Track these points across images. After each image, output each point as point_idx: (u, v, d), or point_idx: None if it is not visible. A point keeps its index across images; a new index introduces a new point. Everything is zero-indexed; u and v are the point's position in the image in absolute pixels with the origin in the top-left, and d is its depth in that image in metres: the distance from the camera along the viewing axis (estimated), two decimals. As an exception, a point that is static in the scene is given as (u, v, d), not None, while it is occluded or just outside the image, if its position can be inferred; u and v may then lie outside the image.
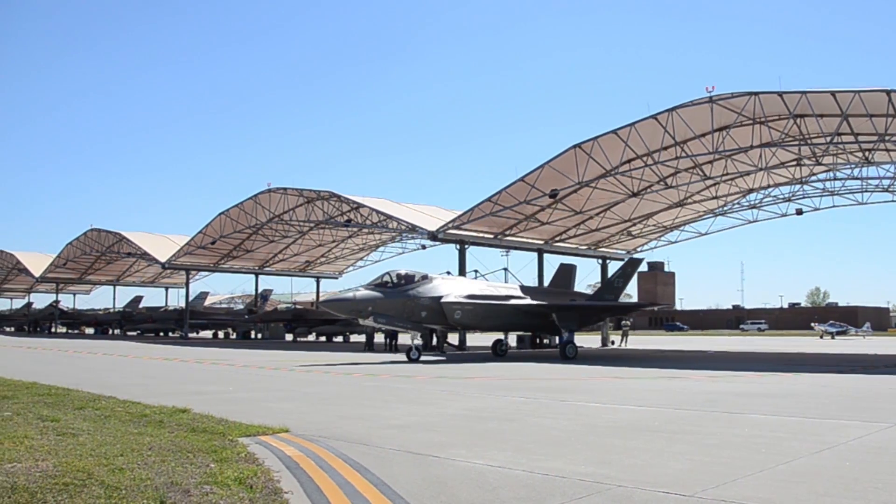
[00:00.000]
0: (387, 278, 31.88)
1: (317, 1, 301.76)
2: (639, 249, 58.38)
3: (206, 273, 77.03)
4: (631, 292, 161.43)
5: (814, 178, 43.82)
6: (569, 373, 24.50)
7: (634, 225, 51.77)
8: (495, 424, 11.84)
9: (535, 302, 34.97)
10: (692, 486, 7.23)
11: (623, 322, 59.93)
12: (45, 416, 11.54)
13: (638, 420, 12.40)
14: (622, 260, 58.46)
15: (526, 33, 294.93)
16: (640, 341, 64.23)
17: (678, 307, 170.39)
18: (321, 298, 35.08)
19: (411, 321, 31.49)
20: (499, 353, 35.68)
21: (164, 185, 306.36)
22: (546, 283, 47.24)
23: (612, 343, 55.09)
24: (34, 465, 7.75)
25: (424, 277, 32.61)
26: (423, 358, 30.61)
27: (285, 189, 52.61)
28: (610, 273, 48.70)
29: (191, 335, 71.64)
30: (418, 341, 31.39)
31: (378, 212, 48.52)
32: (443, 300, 31.78)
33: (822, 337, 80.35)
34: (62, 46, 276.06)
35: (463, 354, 37.93)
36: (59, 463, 7.87)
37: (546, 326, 35.33)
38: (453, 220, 43.98)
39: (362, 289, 31.62)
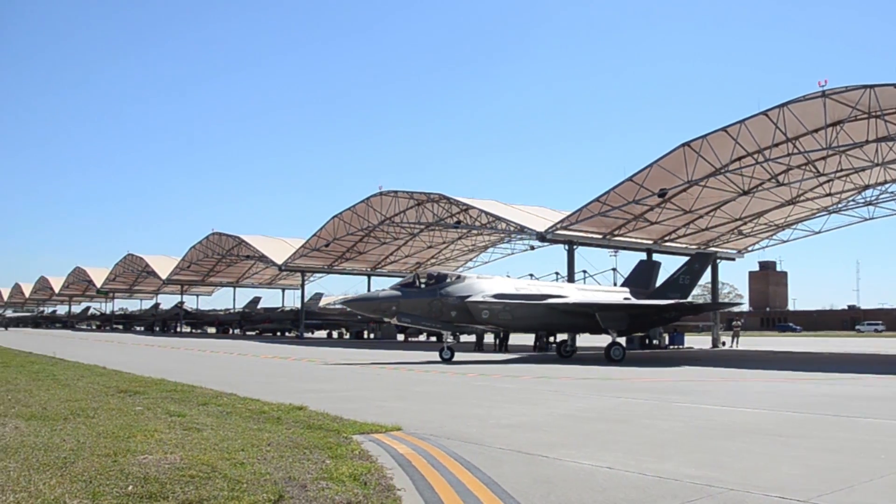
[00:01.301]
0: (414, 278, 32.43)
1: (426, 0, 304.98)
2: (750, 248, 56.83)
3: (321, 275, 79.05)
4: (742, 292, 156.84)
5: (934, 173, 41.30)
6: (674, 374, 24.03)
7: (745, 224, 50.21)
8: (604, 425, 11.78)
9: (574, 301, 33.38)
10: (807, 491, 7.02)
11: (734, 322, 58.30)
12: (172, 412, 12.16)
13: (750, 422, 12.10)
14: (732, 259, 56.82)
15: (633, 33, 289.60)
16: (752, 342, 62.13)
17: (791, 307, 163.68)
18: (345, 299, 35.02)
19: (441, 321, 31.35)
20: (563, 354, 34.44)
21: (280, 190, 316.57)
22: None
23: (724, 344, 53.73)
24: (163, 458, 8.21)
25: (458, 277, 32.78)
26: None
27: (396, 192, 53.53)
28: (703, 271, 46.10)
29: (306, 335, 73.65)
30: (451, 341, 31.58)
31: (487, 213, 48.65)
32: (468, 300, 31.12)
33: (943, 338, 75.64)
34: (181, 56, 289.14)
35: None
36: (186, 456, 8.30)
37: (590, 327, 33.23)
38: (562, 221, 43.71)
39: (388, 289, 32.40)
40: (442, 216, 54.51)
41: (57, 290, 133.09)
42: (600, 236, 47.58)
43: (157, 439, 9.38)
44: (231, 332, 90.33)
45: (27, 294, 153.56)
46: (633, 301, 34.49)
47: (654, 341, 47.48)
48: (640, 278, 40.35)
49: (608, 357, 30.61)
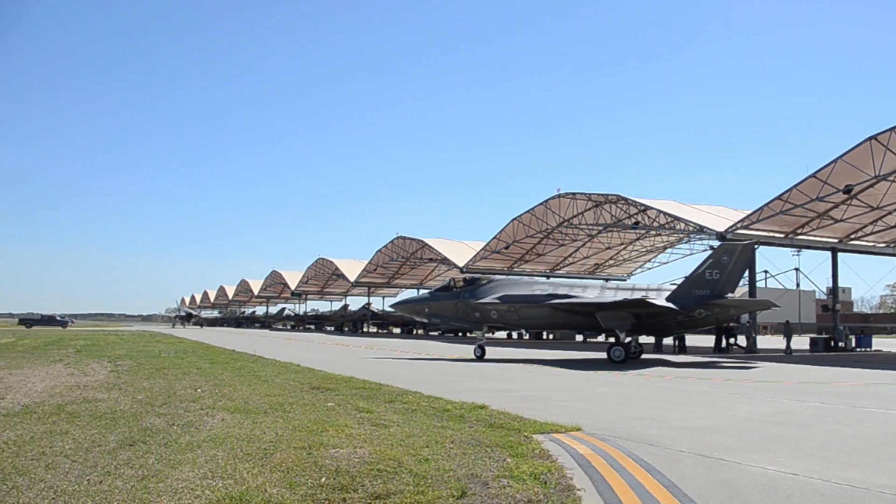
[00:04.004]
0: (451, 283, 35.01)
1: (601, 2, 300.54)
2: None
3: (501, 276, 79.47)
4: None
5: None
6: (858, 377, 22.40)
7: (939, 220, 45.96)
8: (787, 429, 11.36)
9: (573, 301, 32.27)
10: None
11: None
12: (361, 408, 12.76)
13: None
14: None
15: (814, 27, 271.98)
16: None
17: None
18: (393, 302, 37.62)
19: (468, 321, 34.30)
20: (629, 355, 32.32)
21: (461, 193, 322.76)
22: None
23: None
24: (353, 452, 8.66)
25: (489, 281, 34.85)
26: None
27: (574, 194, 53.34)
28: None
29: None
30: (483, 339, 34.08)
31: (665, 213, 47.46)
32: (477, 301, 33.22)
33: None
34: (366, 59, 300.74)
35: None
36: (374, 451, 8.71)
37: (596, 326, 32.25)
38: (742, 220, 42.04)
39: (425, 293, 35.10)
40: (620, 217, 53.61)
41: (256, 292, 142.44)
42: (782, 235, 45.54)
43: (347, 434, 9.90)
44: (415, 332, 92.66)
45: (230, 296, 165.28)
46: (629, 298, 31.37)
47: (840, 343, 44.95)
48: None
49: (609, 358, 29.79)
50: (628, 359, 30.00)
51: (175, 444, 9.25)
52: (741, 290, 42.93)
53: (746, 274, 43.21)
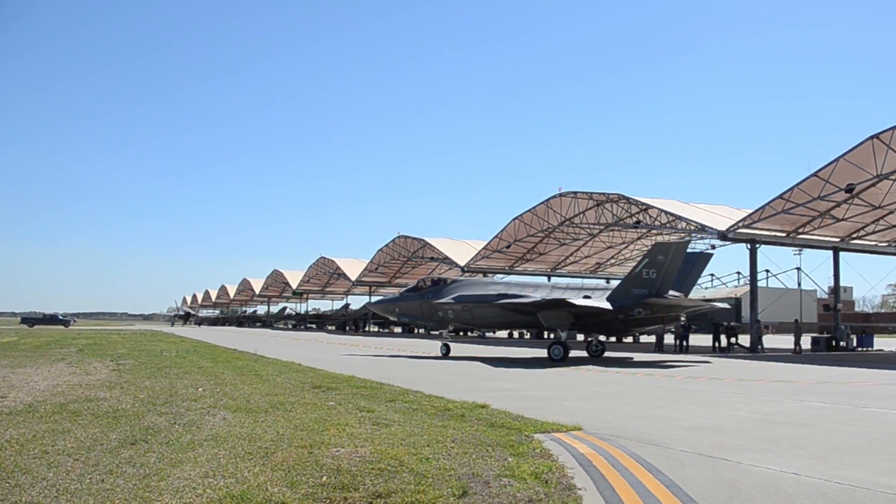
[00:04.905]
0: (419, 283, 36.42)
1: (602, 2, 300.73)
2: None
3: (502, 276, 79.65)
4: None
5: None
6: (859, 377, 22.38)
7: (941, 219, 45.86)
8: (790, 429, 11.37)
9: (518, 301, 32.53)
10: None
11: None
12: (362, 407, 12.79)
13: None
14: None
15: (812, 23, 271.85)
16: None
17: None
18: (370, 302, 38.51)
19: (433, 321, 35.70)
20: (590, 353, 34.21)
21: (463, 194, 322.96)
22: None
23: None
24: (354, 451, 8.68)
25: (454, 282, 35.98)
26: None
27: (575, 193, 53.25)
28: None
29: (488, 335, 74.45)
30: (448, 338, 34.94)
31: (666, 212, 47.39)
32: (436, 301, 34.39)
33: None
34: (368, 61, 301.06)
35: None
36: (375, 450, 8.74)
37: (538, 324, 32.91)
38: (743, 219, 42.03)
39: (398, 293, 36.50)
40: (621, 216, 53.54)
41: (257, 292, 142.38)
42: (784, 234, 45.60)
43: (348, 433, 9.92)
44: (416, 331, 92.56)
45: (231, 295, 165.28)
46: (563, 298, 31.47)
47: (841, 343, 45.01)
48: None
49: (549, 356, 29.91)
50: (567, 357, 29.86)
51: (176, 442, 9.28)
52: (743, 290, 43.05)
53: (748, 273, 43.47)
